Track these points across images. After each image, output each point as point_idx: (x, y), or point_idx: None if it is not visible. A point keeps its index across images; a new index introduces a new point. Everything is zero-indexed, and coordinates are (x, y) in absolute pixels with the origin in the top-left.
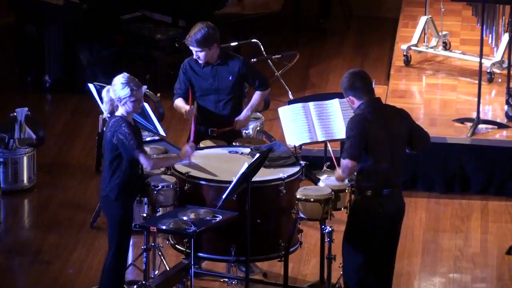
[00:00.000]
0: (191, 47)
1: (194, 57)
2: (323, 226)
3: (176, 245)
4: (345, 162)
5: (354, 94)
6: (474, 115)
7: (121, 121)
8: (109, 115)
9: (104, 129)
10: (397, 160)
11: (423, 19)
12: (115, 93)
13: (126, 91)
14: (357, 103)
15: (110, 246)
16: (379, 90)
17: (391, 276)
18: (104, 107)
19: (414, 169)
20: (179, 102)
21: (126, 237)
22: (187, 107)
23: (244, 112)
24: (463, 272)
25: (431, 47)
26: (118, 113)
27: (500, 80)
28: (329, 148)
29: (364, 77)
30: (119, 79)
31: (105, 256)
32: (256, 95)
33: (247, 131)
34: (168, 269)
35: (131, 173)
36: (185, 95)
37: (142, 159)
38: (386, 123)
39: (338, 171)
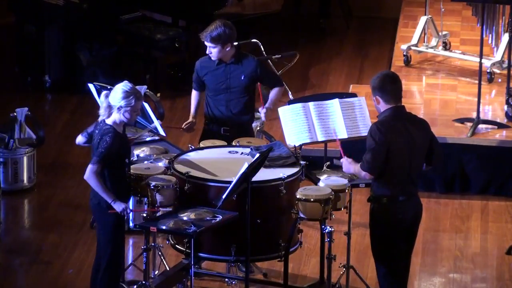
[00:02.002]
0: (205, 42)
1: (207, 52)
2: (323, 226)
3: (176, 245)
4: (363, 174)
5: (382, 96)
6: (474, 115)
7: (110, 130)
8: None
9: (83, 136)
10: (414, 170)
11: (423, 19)
12: (116, 101)
13: (131, 101)
14: (382, 104)
15: (103, 255)
16: None
17: (407, 277)
18: (102, 112)
19: None
20: (192, 99)
21: (122, 243)
22: (190, 119)
23: (267, 105)
24: (463, 272)
25: (431, 47)
26: (109, 121)
27: (500, 80)
28: (338, 144)
29: (396, 81)
30: (123, 87)
31: (95, 261)
32: (274, 91)
33: (260, 124)
34: (168, 269)
35: (119, 178)
36: (201, 88)
37: (91, 167)
38: (407, 132)
39: (349, 164)
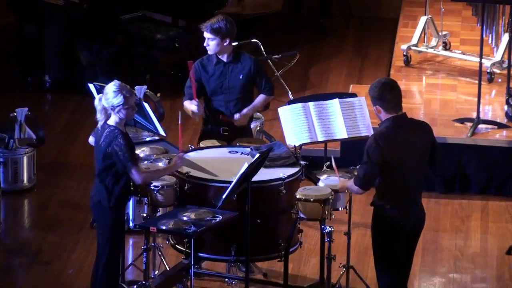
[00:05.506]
0: (204, 33)
1: (204, 44)
2: (323, 226)
3: (176, 245)
4: (355, 188)
5: (382, 105)
6: (474, 115)
7: (116, 131)
8: (102, 124)
9: (93, 137)
10: (417, 176)
11: (423, 19)
12: (108, 102)
13: (120, 98)
14: (383, 114)
15: (101, 254)
16: None
17: (407, 281)
18: (99, 117)
19: None
20: (187, 103)
21: (120, 244)
22: (194, 107)
23: (245, 110)
24: (463, 272)
25: (431, 47)
26: (111, 122)
27: (500, 80)
28: (333, 162)
29: (394, 88)
30: (111, 87)
31: (95, 264)
32: (260, 97)
33: (260, 124)
34: (168, 269)
35: (125, 181)
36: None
37: (134, 173)
38: (408, 143)
39: (343, 182)
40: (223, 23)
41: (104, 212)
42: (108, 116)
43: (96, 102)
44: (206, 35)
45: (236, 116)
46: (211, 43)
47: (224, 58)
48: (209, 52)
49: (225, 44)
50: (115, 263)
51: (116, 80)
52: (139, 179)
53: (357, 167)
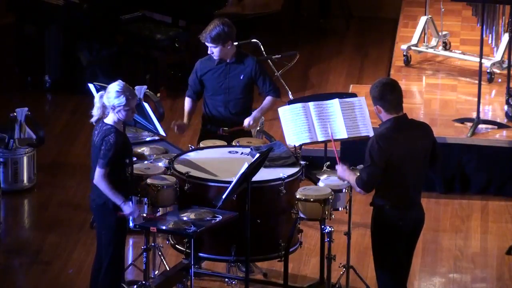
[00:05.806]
0: (206, 43)
1: (209, 52)
2: (323, 226)
3: (176, 245)
4: (358, 189)
5: (383, 105)
6: (474, 115)
7: (112, 130)
8: (95, 121)
9: (93, 137)
10: (417, 177)
11: (423, 19)
12: (109, 101)
13: (122, 99)
14: (384, 114)
15: (105, 255)
16: None
17: (406, 281)
18: (94, 112)
19: None
20: (186, 106)
21: (123, 244)
22: (183, 121)
23: (254, 113)
24: (463, 272)
25: (431, 47)
26: (108, 120)
27: (500, 80)
28: (334, 148)
29: (395, 89)
30: (115, 87)
31: (95, 261)
32: (268, 100)
33: (260, 124)
34: (168, 269)
35: (119, 178)
36: (196, 94)
37: (99, 172)
38: (409, 141)
39: (343, 172)
40: (220, 28)
41: (109, 213)
42: (105, 115)
43: (96, 99)
44: (207, 44)
45: (246, 122)
46: (215, 50)
47: (227, 57)
48: (214, 58)
49: (228, 47)
50: (118, 263)
51: (120, 81)
52: (97, 180)
53: (357, 167)
